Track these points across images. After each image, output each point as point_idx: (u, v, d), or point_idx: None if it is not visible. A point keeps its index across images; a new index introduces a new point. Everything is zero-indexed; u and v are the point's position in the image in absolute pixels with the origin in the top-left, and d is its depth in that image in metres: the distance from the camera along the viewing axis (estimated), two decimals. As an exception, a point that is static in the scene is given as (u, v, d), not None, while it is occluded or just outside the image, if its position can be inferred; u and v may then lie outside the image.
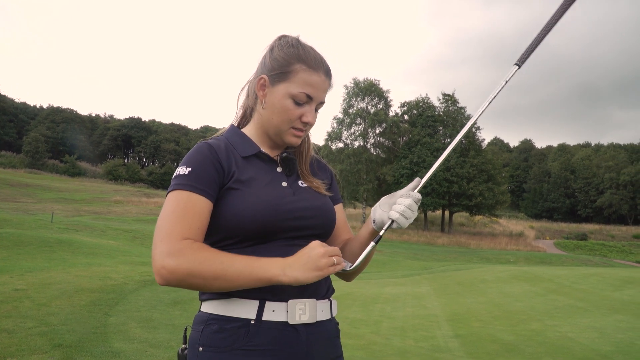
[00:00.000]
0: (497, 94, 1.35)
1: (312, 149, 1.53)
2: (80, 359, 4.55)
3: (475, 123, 1.32)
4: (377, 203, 1.36)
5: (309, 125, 1.38)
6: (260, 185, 1.32)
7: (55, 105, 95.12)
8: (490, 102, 1.35)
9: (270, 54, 1.38)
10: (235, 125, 1.47)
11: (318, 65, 1.35)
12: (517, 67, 1.36)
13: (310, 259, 1.20)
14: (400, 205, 1.29)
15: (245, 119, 1.48)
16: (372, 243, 1.32)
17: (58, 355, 4.61)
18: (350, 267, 1.29)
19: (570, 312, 9.19)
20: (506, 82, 1.35)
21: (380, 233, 1.31)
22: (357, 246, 1.41)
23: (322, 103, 1.39)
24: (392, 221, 1.29)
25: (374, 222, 1.34)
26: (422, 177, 1.35)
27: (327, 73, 1.38)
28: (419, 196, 1.31)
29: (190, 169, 1.28)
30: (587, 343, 6.68)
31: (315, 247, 1.22)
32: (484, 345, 6.77)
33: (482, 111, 1.35)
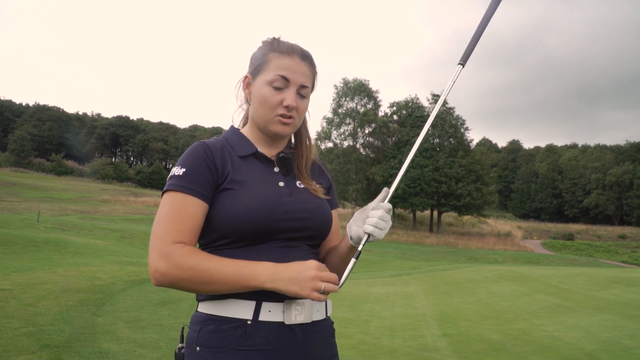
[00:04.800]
0: (447, 93, 1.42)
1: (314, 154, 1.53)
2: (68, 360, 4.52)
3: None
4: (351, 219, 1.38)
5: (293, 109, 1.37)
6: (257, 185, 1.33)
7: (41, 103, 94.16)
8: (441, 102, 1.42)
9: (252, 56, 1.44)
10: (237, 127, 1.50)
11: (290, 50, 1.38)
12: (462, 66, 1.43)
13: (299, 275, 1.21)
14: (372, 218, 1.31)
15: (245, 122, 1.53)
16: (353, 260, 1.33)
17: (45, 355, 4.57)
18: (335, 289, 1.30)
19: (556, 311, 9.29)
20: (453, 82, 1.43)
21: (359, 248, 1.33)
22: (337, 259, 1.43)
23: (304, 87, 1.39)
24: (369, 235, 1.31)
25: (351, 239, 1.36)
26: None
27: (303, 57, 1.39)
28: (390, 206, 1.33)
29: (184, 169, 1.30)
30: (573, 342, 6.75)
31: (311, 268, 1.23)
32: (471, 345, 6.82)
33: (436, 111, 1.43)
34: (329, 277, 1.22)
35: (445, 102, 53.96)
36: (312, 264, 1.24)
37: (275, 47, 1.38)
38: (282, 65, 1.35)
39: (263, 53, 1.39)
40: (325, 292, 1.22)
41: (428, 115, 53.95)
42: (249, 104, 1.43)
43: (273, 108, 1.36)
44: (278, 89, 1.35)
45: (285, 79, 1.35)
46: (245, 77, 1.43)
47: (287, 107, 1.36)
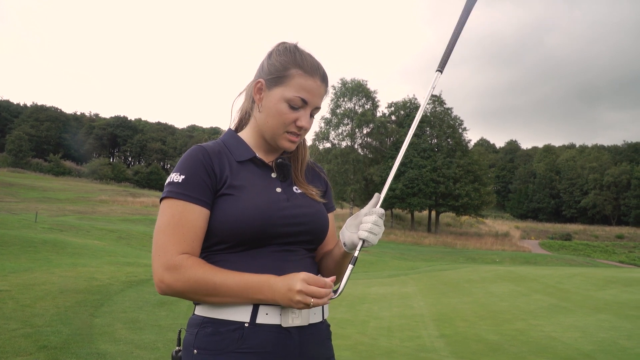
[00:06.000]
0: (427, 100, 1.45)
1: (309, 156, 1.54)
2: (65, 361, 4.51)
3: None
4: (344, 225, 1.39)
5: (303, 130, 1.39)
6: (254, 191, 1.33)
7: (39, 104, 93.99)
8: (422, 108, 1.46)
9: (268, 59, 1.40)
10: (233, 129, 1.49)
11: (314, 71, 1.36)
12: (439, 72, 1.47)
13: (288, 294, 1.22)
14: (366, 223, 1.32)
15: (242, 122, 1.50)
16: (350, 266, 1.34)
17: (43, 356, 4.56)
18: (333, 296, 1.31)
19: (553, 311, 9.31)
20: (433, 88, 1.47)
21: (355, 254, 1.34)
22: (331, 264, 1.45)
23: (317, 108, 1.40)
24: (363, 241, 1.32)
25: (344, 245, 1.37)
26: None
27: (324, 79, 1.39)
28: (382, 211, 1.35)
29: (183, 176, 1.29)
30: (570, 342, 6.76)
31: (298, 281, 1.22)
32: (469, 345, 6.83)
33: (418, 118, 1.45)
34: (313, 291, 1.21)
35: (443, 103, 54.06)
36: (298, 279, 1.22)
37: (299, 62, 1.36)
38: (305, 87, 1.34)
39: (285, 65, 1.35)
40: (315, 306, 1.23)
41: (426, 116, 54.30)
42: (259, 110, 1.40)
43: (285, 125, 1.36)
44: (294, 108, 1.35)
45: (304, 101, 1.35)
46: (259, 81, 1.39)
47: (299, 127, 1.37)
